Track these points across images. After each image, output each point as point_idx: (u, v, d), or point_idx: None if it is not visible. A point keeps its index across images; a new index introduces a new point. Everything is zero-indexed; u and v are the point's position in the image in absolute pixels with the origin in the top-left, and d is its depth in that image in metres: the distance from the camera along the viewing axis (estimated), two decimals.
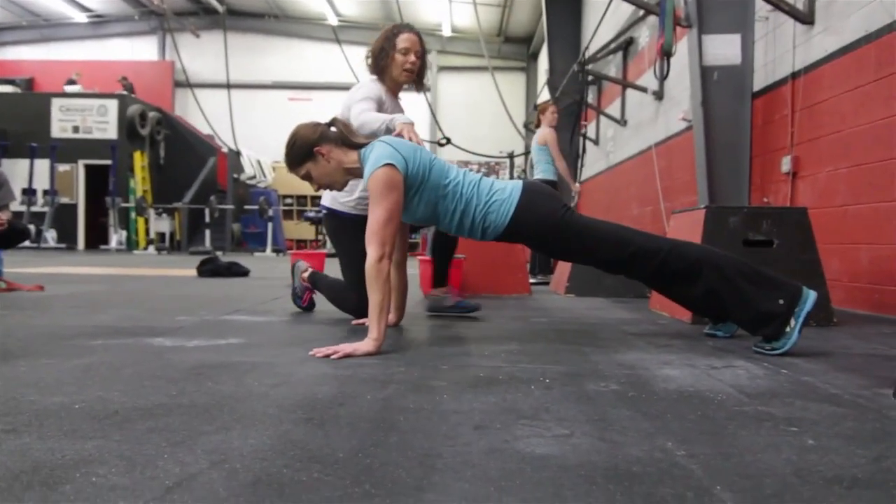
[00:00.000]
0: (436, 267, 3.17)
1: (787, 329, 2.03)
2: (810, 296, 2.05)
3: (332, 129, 2.28)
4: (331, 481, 0.93)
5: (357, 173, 2.28)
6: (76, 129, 15.57)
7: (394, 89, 2.88)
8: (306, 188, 19.14)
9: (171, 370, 1.70)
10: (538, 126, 6.27)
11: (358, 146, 2.26)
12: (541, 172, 6.08)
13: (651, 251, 2.18)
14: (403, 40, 2.76)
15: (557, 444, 1.13)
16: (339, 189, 2.37)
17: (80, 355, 1.89)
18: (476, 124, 17.73)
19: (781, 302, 2.04)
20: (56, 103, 15.58)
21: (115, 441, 1.10)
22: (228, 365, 1.79)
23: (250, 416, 1.27)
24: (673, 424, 1.27)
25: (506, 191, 2.25)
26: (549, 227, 2.21)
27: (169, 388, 1.49)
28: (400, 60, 2.76)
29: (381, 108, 2.75)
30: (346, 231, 2.81)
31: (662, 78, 5.03)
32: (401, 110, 2.89)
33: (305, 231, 17.95)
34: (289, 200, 18.99)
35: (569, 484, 0.94)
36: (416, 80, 2.86)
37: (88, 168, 15.64)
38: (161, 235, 15.58)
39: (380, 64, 2.80)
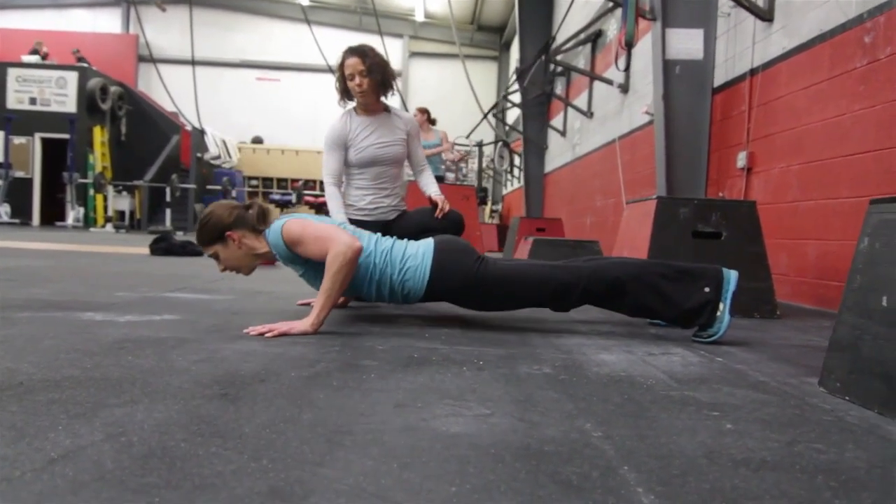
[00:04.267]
0: None
1: (718, 313, 2.05)
2: (732, 275, 2.08)
3: (250, 211, 2.19)
4: (228, 455, 0.89)
5: (268, 257, 2.21)
6: (33, 101, 15.03)
7: (366, 110, 2.95)
8: (272, 171, 18.99)
9: (92, 344, 1.63)
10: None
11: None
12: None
13: (571, 283, 2.14)
14: (346, 67, 2.82)
15: (475, 423, 1.11)
16: (246, 274, 2.28)
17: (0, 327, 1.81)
18: (447, 112, 17.47)
19: (707, 289, 2.06)
20: (12, 73, 15.01)
21: (10, 412, 1.05)
22: (155, 340, 1.73)
23: (163, 390, 1.22)
24: (596, 407, 1.26)
25: (418, 255, 2.20)
26: (467, 282, 2.17)
27: (84, 361, 1.43)
28: (350, 86, 2.84)
29: (348, 145, 2.88)
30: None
31: (624, 69, 5.05)
32: (389, 122, 2.98)
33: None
34: (254, 182, 18.71)
35: (475, 461, 0.92)
36: (378, 93, 2.90)
37: (45, 142, 15.15)
38: (120, 213, 15.21)
39: (342, 91, 2.91)
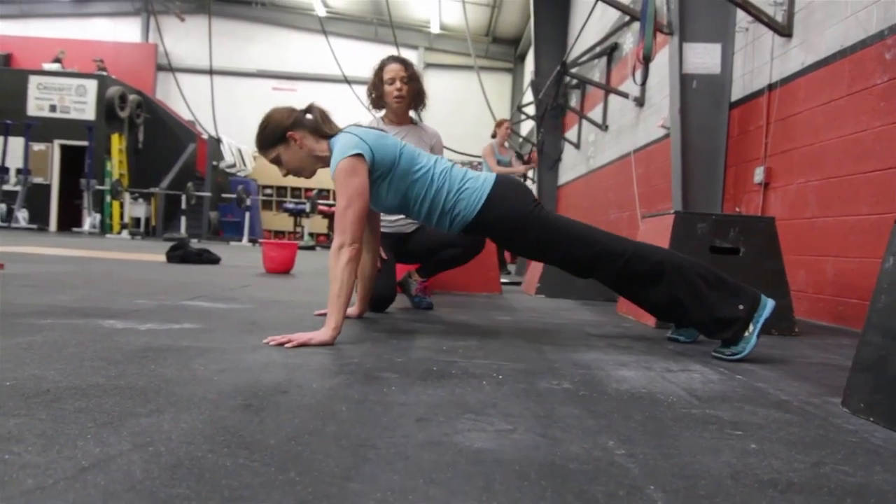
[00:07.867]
0: (432, 263, 3.16)
1: (746, 334, 2.04)
2: (769, 303, 2.06)
3: (308, 115, 2.24)
4: (255, 468, 0.90)
5: (327, 161, 2.24)
6: (53, 108, 15.26)
7: (397, 119, 3.07)
8: (287, 180, 19.06)
9: (115, 352, 1.65)
10: (493, 136, 7.01)
11: (330, 136, 2.23)
12: None
13: (615, 252, 2.18)
14: (388, 71, 2.94)
15: (498, 438, 1.11)
16: (308, 177, 2.34)
17: (24, 333, 1.83)
18: (460, 122, 17.58)
19: (741, 307, 2.05)
20: (34, 81, 15.26)
21: (39, 420, 1.06)
22: (177, 349, 1.74)
23: (187, 400, 1.23)
24: (618, 424, 1.26)
25: (478, 180, 2.24)
26: (517, 220, 2.20)
27: (109, 369, 1.45)
28: (388, 90, 2.95)
29: None
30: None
31: (641, 83, 5.06)
32: (416, 134, 3.09)
33: (284, 222, 17.82)
34: (268, 191, 18.82)
35: (501, 478, 0.92)
36: (412, 103, 3.02)
37: (64, 148, 15.36)
38: (136, 220, 15.37)
39: (375, 98, 3.01)
